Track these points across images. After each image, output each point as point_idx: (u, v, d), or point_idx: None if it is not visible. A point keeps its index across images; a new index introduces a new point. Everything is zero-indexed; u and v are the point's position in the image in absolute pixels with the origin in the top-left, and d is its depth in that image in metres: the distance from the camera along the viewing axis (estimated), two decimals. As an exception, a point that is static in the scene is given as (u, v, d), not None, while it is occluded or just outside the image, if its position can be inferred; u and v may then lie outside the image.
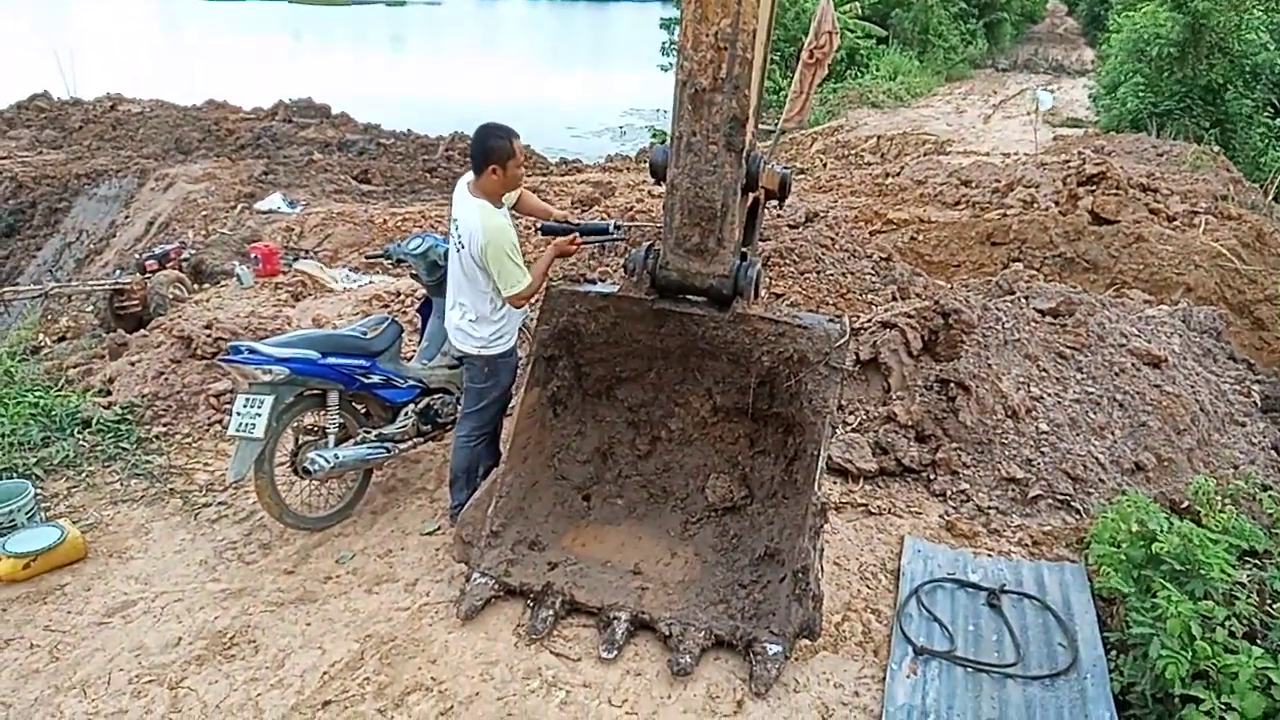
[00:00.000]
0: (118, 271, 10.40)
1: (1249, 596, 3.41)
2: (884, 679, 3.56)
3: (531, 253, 8.30)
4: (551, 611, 3.77)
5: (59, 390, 5.86)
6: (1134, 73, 17.67)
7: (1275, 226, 10.19)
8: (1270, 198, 12.37)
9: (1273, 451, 5.59)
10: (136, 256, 10.13)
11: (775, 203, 4.46)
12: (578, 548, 4.19)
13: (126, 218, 13.43)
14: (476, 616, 3.82)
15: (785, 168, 4.28)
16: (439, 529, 4.51)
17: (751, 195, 4.03)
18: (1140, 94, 17.24)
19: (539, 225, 4.59)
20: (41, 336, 8.63)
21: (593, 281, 6.56)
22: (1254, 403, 6.00)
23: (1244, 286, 8.62)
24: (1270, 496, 4.07)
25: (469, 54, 44.31)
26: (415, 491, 4.88)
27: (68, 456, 5.06)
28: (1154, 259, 8.74)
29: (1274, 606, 3.47)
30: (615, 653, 3.61)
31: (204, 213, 12.01)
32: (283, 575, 4.15)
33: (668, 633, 3.65)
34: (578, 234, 4.29)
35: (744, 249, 4.05)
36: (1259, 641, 3.25)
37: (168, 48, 40.04)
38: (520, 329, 4.43)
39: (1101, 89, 20.34)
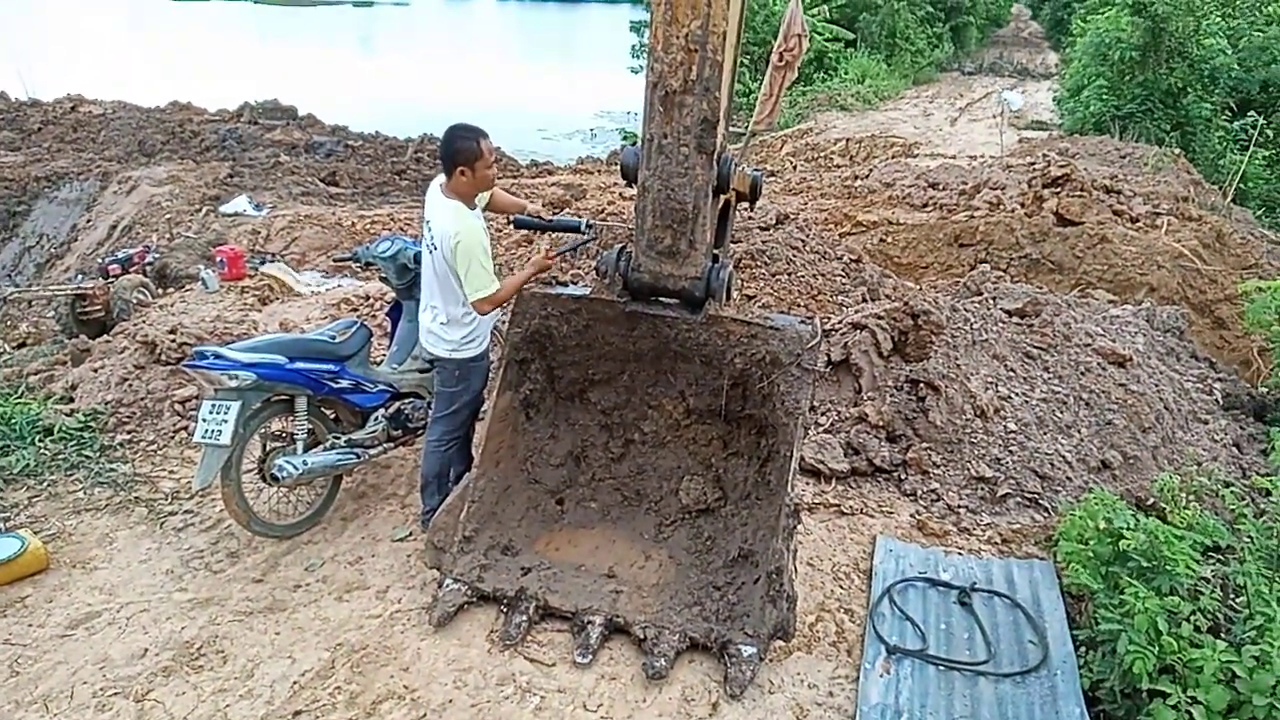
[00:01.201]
0: (79, 276, 10.21)
1: (1213, 591, 3.47)
2: (858, 679, 3.58)
3: (503, 254, 8.28)
4: (525, 617, 3.75)
5: (19, 397, 5.74)
6: (1097, 76, 17.96)
7: (1234, 227, 10.40)
8: (1229, 199, 12.62)
9: (1234, 448, 5.70)
10: (99, 261, 9.94)
11: (746, 205, 4.47)
12: (551, 552, 4.17)
13: (88, 221, 13.17)
14: (449, 623, 3.79)
15: (756, 170, 4.29)
16: (410, 535, 4.47)
17: (723, 197, 4.03)
18: (1103, 97, 17.53)
19: (512, 218, 4.58)
20: (1, 343, 8.44)
21: (564, 284, 6.54)
22: (1216, 400, 6.12)
23: (1205, 286, 8.79)
24: (1232, 493, 4.14)
25: (438, 55, 44.03)
26: (386, 497, 4.83)
27: (29, 465, 4.95)
28: (1118, 260, 8.89)
29: (1237, 601, 3.53)
30: (590, 657, 3.60)
31: (168, 216, 11.81)
32: (251, 584, 4.09)
33: (642, 636, 3.64)
34: (551, 242, 4.27)
35: (715, 251, 4.06)
36: (1223, 635, 3.32)
37: (130, 48, 39.36)
38: (493, 332, 4.41)
39: (1065, 92, 20.67)
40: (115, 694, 3.42)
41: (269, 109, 19.41)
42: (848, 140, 17.96)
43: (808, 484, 4.94)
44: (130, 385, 5.68)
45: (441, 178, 3.96)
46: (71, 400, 5.72)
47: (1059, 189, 10.17)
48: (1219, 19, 17.23)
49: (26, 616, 3.85)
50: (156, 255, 9.50)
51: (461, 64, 40.32)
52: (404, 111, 22.94)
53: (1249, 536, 3.81)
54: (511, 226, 4.86)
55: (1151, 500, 4.50)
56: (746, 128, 5.61)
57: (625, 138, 24.36)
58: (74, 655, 3.62)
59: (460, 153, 3.83)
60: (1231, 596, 3.58)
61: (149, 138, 16.84)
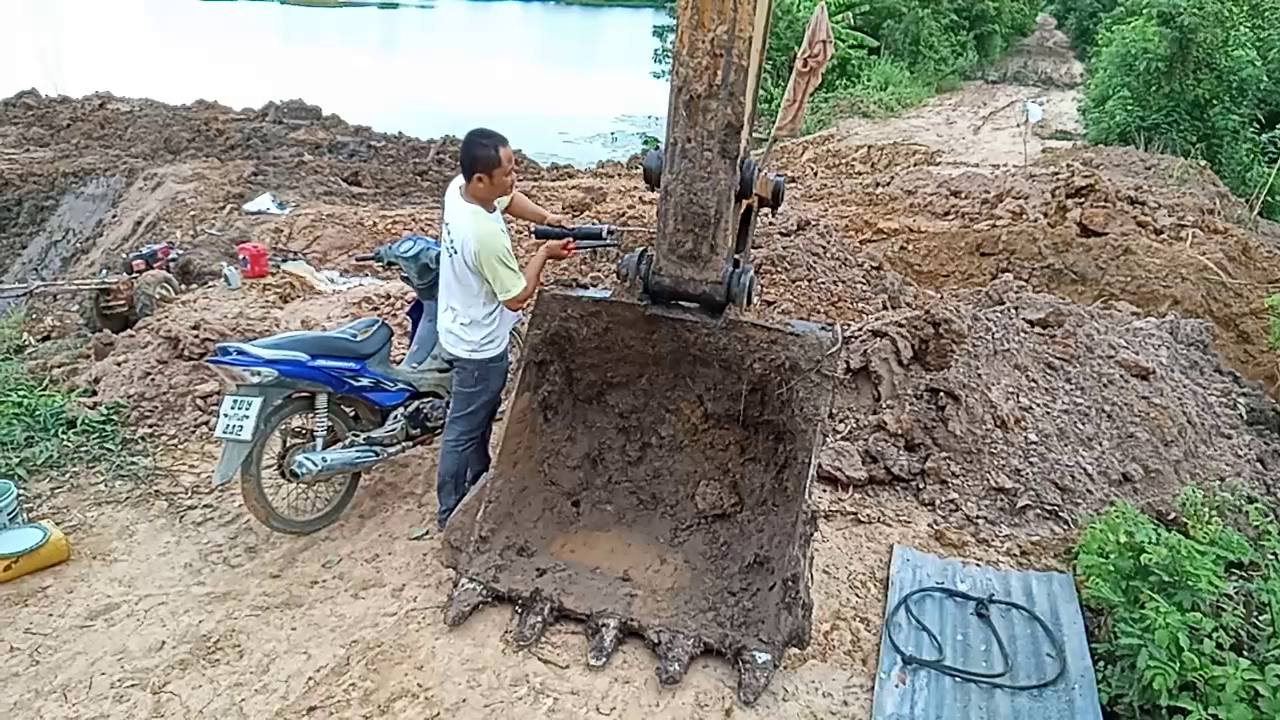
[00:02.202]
0: (104, 271, 10.32)
1: (1236, 608, 3.43)
2: (873, 688, 3.56)
3: (524, 257, 8.30)
4: (540, 618, 3.75)
5: (43, 390, 5.80)
6: (1122, 86, 17.86)
7: (1261, 240, 10.28)
8: (1256, 212, 12.49)
9: (1258, 464, 5.62)
10: (124, 256, 10.03)
11: (768, 210, 4.46)
12: (567, 554, 4.17)
13: (114, 217, 13.33)
14: (464, 622, 3.80)
15: (779, 175, 4.28)
16: (427, 534, 4.48)
17: (745, 202, 4.03)
18: (1128, 108, 17.42)
19: (534, 229, 4.60)
20: (26, 335, 8.53)
21: (585, 286, 6.56)
22: (1240, 415, 6.04)
23: (1230, 300, 8.68)
24: (1256, 509, 4.09)
25: (461, 57, 44.24)
26: (403, 496, 4.85)
27: (51, 457, 5.00)
28: (1141, 271, 8.80)
29: (1260, 618, 3.49)
30: (604, 660, 3.59)
31: (192, 213, 11.93)
32: (268, 579, 4.12)
33: (656, 640, 3.63)
34: (572, 239, 4.29)
35: (737, 256, 4.05)
36: (1246, 653, 3.27)
37: (158, 46, 39.80)
38: (511, 333, 4.42)
39: (1090, 102, 20.57)
40: (133, 685, 3.45)
41: (293, 108, 19.58)
42: (870, 147, 17.92)
43: (825, 491, 4.92)
44: (153, 380, 5.73)
45: (460, 179, 3.98)
46: (94, 393, 5.78)
47: (1082, 199, 10.09)
48: (1248, 30, 17.09)
49: (47, 606, 3.89)
50: (180, 252, 9.59)
51: (484, 66, 40.48)
52: (427, 113, 23.05)
53: (1273, 553, 3.76)
54: (532, 234, 4.88)
55: (1173, 515, 4.45)
56: (769, 133, 5.61)
57: (646, 142, 24.39)
58: (93, 646, 3.66)
59: (479, 160, 3.84)
60: (1255, 614, 3.53)
61: (175, 135, 17.04)
